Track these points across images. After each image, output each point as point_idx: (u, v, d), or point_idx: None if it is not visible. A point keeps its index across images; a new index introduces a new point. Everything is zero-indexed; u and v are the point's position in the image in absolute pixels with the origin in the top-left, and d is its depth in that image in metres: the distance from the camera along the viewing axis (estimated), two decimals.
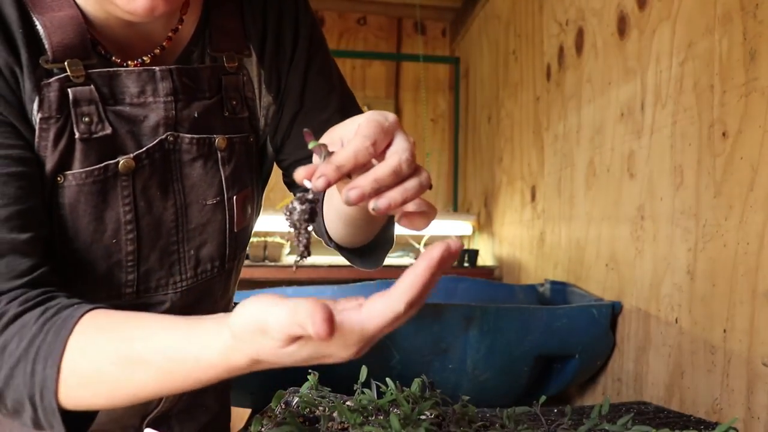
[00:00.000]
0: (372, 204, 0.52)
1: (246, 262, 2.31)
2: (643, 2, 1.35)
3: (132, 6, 0.64)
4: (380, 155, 0.54)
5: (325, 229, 0.82)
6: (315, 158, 0.54)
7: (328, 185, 0.50)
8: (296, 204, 0.52)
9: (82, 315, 0.60)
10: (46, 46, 0.68)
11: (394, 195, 0.53)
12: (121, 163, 0.72)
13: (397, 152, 0.53)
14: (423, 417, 0.82)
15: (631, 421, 0.82)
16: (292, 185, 0.92)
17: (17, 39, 0.67)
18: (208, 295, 0.85)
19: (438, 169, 3.33)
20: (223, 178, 0.80)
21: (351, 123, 0.56)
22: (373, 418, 0.81)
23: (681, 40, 1.20)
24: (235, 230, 0.83)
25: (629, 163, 1.40)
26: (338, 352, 0.48)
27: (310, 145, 0.54)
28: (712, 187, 1.09)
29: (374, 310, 0.46)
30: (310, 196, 0.52)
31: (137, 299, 0.78)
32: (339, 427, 0.80)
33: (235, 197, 0.82)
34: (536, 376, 1.35)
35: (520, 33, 2.28)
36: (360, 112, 0.89)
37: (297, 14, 0.86)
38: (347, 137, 0.55)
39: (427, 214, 0.58)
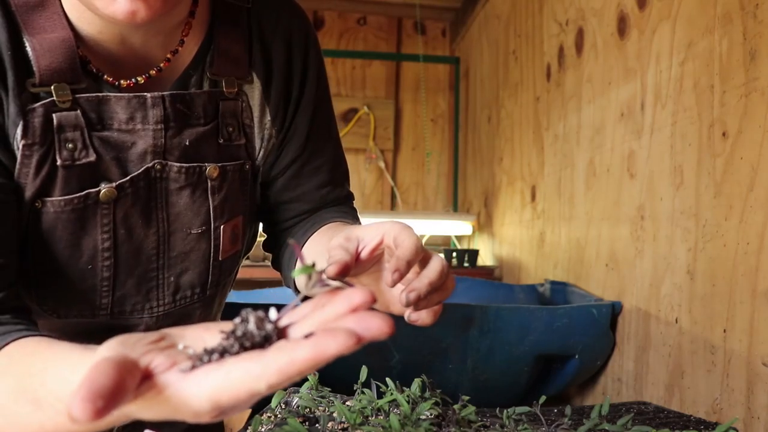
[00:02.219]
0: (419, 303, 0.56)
1: (246, 262, 2.31)
2: (643, 2, 1.35)
3: (111, 9, 0.62)
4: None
5: (295, 285, 0.84)
6: (301, 280, 0.46)
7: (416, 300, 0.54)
8: (251, 323, 0.39)
9: (2, 347, 0.56)
10: (34, 68, 0.66)
11: (437, 297, 0.57)
12: (102, 191, 0.70)
13: (438, 259, 0.58)
14: (423, 417, 0.82)
15: (631, 421, 0.82)
16: (274, 224, 0.92)
17: (5, 61, 0.65)
18: (186, 320, 0.84)
19: (438, 169, 3.33)
20: (211, 208, 0.78)
21: (372, 230, 0.59)
22: (373, 418, 0.81)
23: (681, 40, 1.20)
24: (220, 258, 0.82)
25: (629, 163, 1.40)
26: (187, 418, 0.38)
27: (299, 272, 0.44)
28: (712, 187, 1.09)
29: (230, 379, 0.36)
30: (272, 320, 0.40)
31: (111, 320, 0.77)
32: (339, 427, 0.80)
33: (222, 226, 0.80)
34: (536, 376, 1.35)
35: (520, 33, 2.28)
36: (343, 157, 0.92)
37: (307, 50, 0.84)
38: (368, 242, 0.58)
39: (438, 312, 0.60)
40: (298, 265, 0.44)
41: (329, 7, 3.27)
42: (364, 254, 0.57)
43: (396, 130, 3.32)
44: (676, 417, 0.97)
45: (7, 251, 0.66)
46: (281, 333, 0.40)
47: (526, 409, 0.89)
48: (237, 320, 0.39)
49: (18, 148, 0.66)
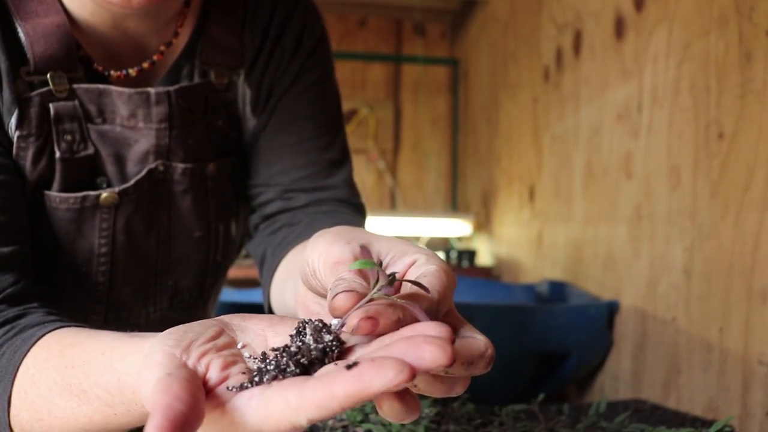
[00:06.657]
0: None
1: (246, 262, 2.31)
2: (640, 4, 1.36)
3: None
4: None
5: (270, 302, 0.75)
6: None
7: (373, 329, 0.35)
8: (308, 336, 0.35)
9: (40, 337, 0.52)
10: (29, 55, 0.62)
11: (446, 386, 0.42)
12: (102, 196, 0.66)
13: (480, 343, 0.40)
14: (422, 415, 0.83)
15: (628, 419, 0.83)
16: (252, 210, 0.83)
17: None
18: (182, 323, 0.81)
19: (437, 170, 3.34)
20: (211, 208, 0.74)
21: (398, 247, 0.42)
22: (373, 415, 0.82)
23: (678, 42, 1.21)
24: (218, 259, 0.78)
25: (626, 163, 1.41)
26: None
27: (354, 265, 0.37)
28: (708, 188, 1.10)
29: (270, 410, 0.32)
30: (333, 326, 0.35)
31: (105, 325, 0.72)
32: (339, 425, 0.81)
33: (221, 226, 0.76)
34: (534, 374, 1.36)
35: (518, 35, 2.29)
36: (344, 149, 0.80)
37: (302, 32, 0.79)
38: (393, 261, 0.42)
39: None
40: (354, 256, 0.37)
41: (329, 9, 3.27)
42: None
43: (396, 130, 3.32)
44: (673, 415, 0.98)
45: (21, 236, 0.62)
46: (347, 350, 0.35)
47: (524, 406, 0.90)
48: (293, 332, 0.36)
49: (13, 139, 0.63)
